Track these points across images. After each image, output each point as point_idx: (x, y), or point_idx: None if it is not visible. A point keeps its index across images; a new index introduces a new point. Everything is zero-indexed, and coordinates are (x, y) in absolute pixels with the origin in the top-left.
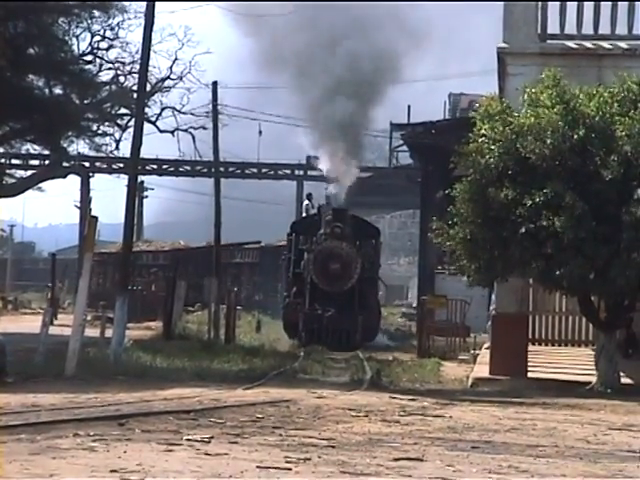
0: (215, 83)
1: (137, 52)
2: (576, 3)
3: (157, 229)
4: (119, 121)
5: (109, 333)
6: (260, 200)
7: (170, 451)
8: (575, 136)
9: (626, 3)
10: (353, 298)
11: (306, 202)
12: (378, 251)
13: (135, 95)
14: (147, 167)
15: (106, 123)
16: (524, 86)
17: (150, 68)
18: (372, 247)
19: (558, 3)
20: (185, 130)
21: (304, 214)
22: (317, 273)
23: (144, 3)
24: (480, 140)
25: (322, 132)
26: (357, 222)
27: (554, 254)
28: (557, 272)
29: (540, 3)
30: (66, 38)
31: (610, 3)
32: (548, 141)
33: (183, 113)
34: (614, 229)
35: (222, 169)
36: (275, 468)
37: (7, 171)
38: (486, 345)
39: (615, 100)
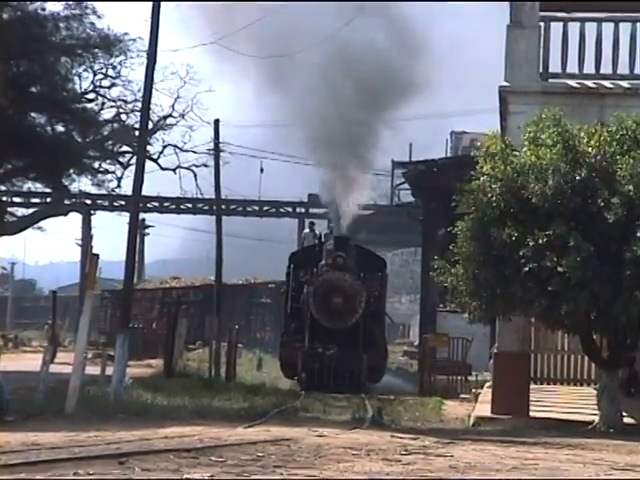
0: (217, 121)
1: (139, 90)
2: (577, 42)
3: (158, 267)
4: (121, 159)
5: (110, 371)
6: (261, 238)
7: None
8: (577, 177)
9: (627, 42)
10: (357, 335)
11: (306, 230)
12: (384, 284)
13: (137, 133)
14: (148, 205)
15: (108, 161)
16: (525, 125)
17: (152, 106)
18: (378, 279)
19: (560, 42)
20: (187, 168)
21: (305, 243)
22: (318, 308)
23: (146, 42)
24: (482, 179)
25: (327, 156)
26: (361, 252)
27: (560, 292)
28: (561, 309)
29: (542, 43)
30: (68, 76)
31: (611, 42)
32: (549, 182)
33: (185, 151)
34: (617, 267)
35: (223, 206)
36: None
37: (8, 209)
38: (488, 384)
39: (614, 139)
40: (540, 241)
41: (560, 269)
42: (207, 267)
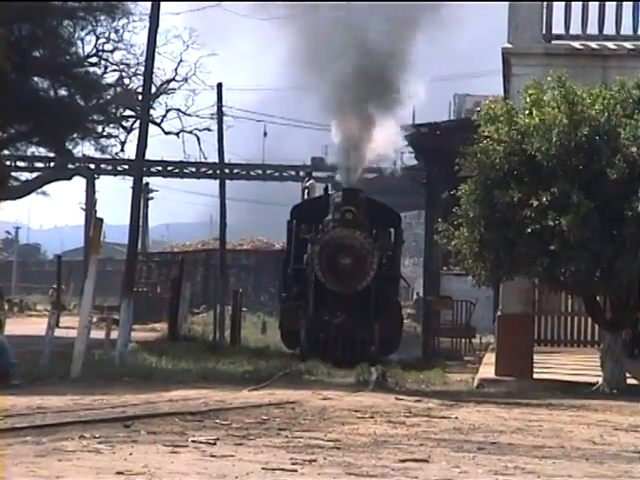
0: (220, 85)
1: (142, 54)
2: (581, 3)
3: (162, 231)
4: (124, 123)
5: (115, 335)
6: (265, 202)
7: (176, 453)
8: (579, 134)
9: (631, 3)
10: (368, 301)
11: (311, 181)
12: (399, 242)
13: (140, 97)
14: (152, 169)
15: (111, 125)
16: (526, 87)
17: (155, 70)
18: (392, 237)
19: (563, 3)
20: (190, 132)
21: (309, 194)
22: (323, 269)
23: (149, 5)
24: (485, 141)
25: (338, 95)
26: (373, 206)
27: (560, 252)
28: (562, 269)
29: (545, 3)
30: (71, 40)
31: (615, 3)
32: (554, 139)
33: (188, 115)
34: (618, 226)
35: (227, 170)
36: (281, 470)
37: (12, 173)
38: (492, 346)
39: (617, 102)
40: (544, 199)
41: (562, 228)
42: (209, 230)
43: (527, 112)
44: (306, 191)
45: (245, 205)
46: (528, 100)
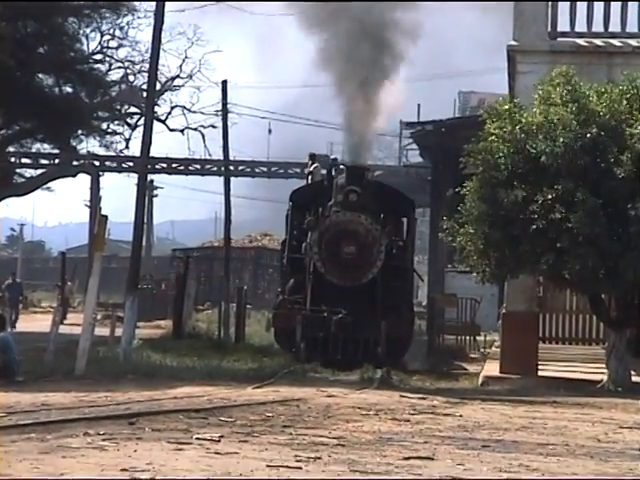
0: (225, 82)
1: (147, 51)
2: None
3: (167, 227)
4: (129, 120)
5: (119, 332)
6: (271, 199)
7: (180, 450)
8: (588, 135)
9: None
10: (374, 296)
11: (315, 165)
12: (412, 231)
13: (145, 94)
14: (157, 166)
15: (116, 122)
16: (537, 84)
17: (160, 67)
18: (404, 225)
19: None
20: (195, 129)
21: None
22: (323, 259)
23: (154, 2)
24: (490, 139)
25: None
26: (384, 190)
27: (569, 248)
28: (569, 266)
29: (550, 1)
30: (76, 37)
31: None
32: (560, 140)
33: (193, 112)
34: (625, 225)
35: (232, 168)
36: (285, 467)
37: (17, 170)
38: (496, 343)
39: (625, 98)
40: (549, 196)
41: (569, 224)
42: (214, 228)
43: (535, 109)
44: (310, 176)
45: (261, 203)
46: (538, 96)
